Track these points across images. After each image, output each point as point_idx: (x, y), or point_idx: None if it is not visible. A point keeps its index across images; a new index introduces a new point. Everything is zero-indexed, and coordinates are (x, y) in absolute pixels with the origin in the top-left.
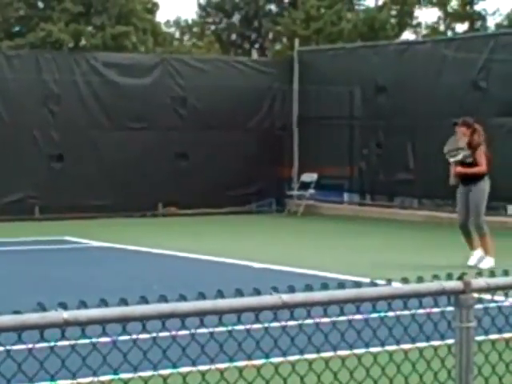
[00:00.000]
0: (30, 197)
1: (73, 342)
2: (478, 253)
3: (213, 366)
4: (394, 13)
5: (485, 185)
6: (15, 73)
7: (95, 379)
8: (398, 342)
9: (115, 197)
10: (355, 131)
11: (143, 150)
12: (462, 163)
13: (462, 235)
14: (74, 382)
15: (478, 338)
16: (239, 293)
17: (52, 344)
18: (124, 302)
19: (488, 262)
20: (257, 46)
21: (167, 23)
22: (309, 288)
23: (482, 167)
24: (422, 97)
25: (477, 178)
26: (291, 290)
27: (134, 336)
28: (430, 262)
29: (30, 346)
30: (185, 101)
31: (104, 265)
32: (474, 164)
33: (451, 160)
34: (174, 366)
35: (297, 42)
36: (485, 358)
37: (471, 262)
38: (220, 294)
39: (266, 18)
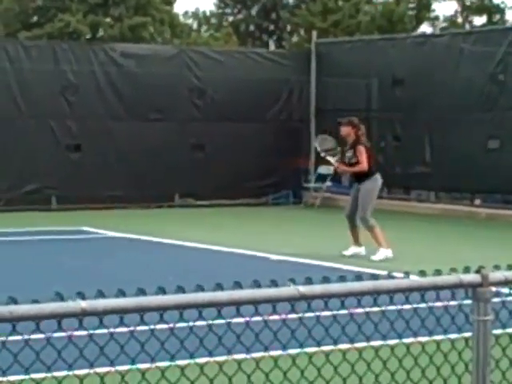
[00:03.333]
0: (47, 187)
1: (91, 332)
2: (355, 249)
3: (230, 357)
4: (411, 5)
5: (372, 184)
6: (33, 63)
7: (112, 369)
8: (415, 335)
9: (132, 187)
10: (372, 124)
11: (160, 140)
12: (348, 163)
13: (348, 225)
14: (92, 371)
15: (496, 332)
16: (257, 284)
17: (70, 333)
18: (142, 292)
19: (381, 254)
20: (274, 37)
21: (185, 14)
22: (326, 280)
23: (363, 165)
24: (440, 90)
25: (364, 177)
26: (308, 281)
27: (152, 326)
28: (448, 255)
29: (48, 335)
30: (202, 92)
31: (120, 255)
32: (357, 162)
33: (332, 159)
34: (192, 357)
35: (314, 34)
36: (502, 352)
37: (346, 252)
38: (237, 286)
39: (284, 9)
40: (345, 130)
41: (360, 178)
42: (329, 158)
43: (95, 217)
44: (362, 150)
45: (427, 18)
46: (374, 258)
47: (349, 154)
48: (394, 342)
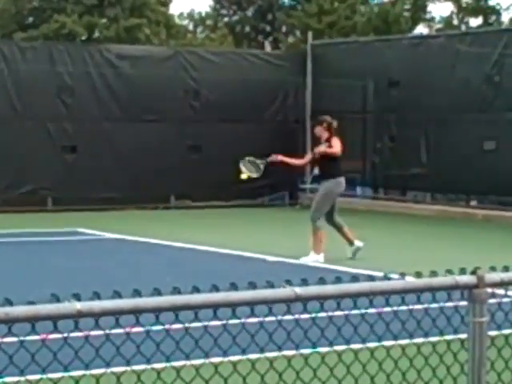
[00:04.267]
0: (42, 188)
1: (86, 334)
2: (358, 243)
3: (225, 359)
4: (407, 7)
5: (333, 186)
6: (29, 64)
7: (108, 370)
8: (411, 336)
9: (128, 189)
10: (368, 125)
11: (156, 142)
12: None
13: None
14: (87, 373)
15: (491, 333)
16: (252, 285)
17: (65, 335)
18: (137, 293)
19: (311, 258)
20: (270, 39)
21: (181, 16)
22: (322, 281)
23: (334, 149)
24: (435, 91)
25: (328, 175)
26: (304, 283)
27: (148, 328)
28: (444, 257)
29: (44, 336)
30: (198, 93)
31: (116, 257)
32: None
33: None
34: (187, 358)
35: (310, 35)
36: (498, 353)
37: (348, 254)
38: (233, 287)
39: (280, 11)
40: (318, 130)
41: (325, 175)
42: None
43: (91, 218)
44: (337, 141)
45: (423, 19)
46: (303, 260)
47: (322, 146)
48: (390, 343)
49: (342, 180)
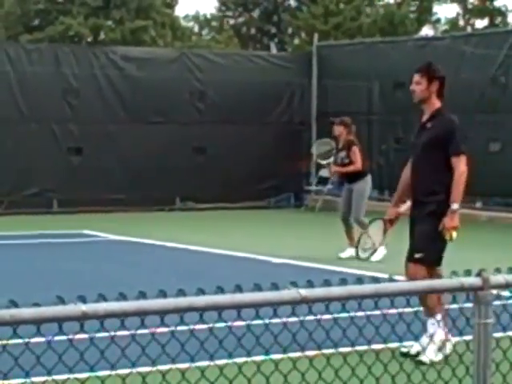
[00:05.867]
0: (48, 190)
1: (91, 335)
2: (352, 251)
3: (230, 361)
4: (413, 8)
5: (365, 184)
6: (34, 66)
7: (113, 372)
8: (416, 338)
9: (133, 191)
10: (373, 126)
11: (161, 144)
12: (341, 163)
13: (343, 227)
14: (93, 374)
15: (496, 335)
16: (258, 287)
17: (71, 337)
18: (142, 295)
19: (380, 253)
20: (276, 40)
21: (186, 17)
22: (327, 283)
23: (357, 165)
24: None
25: (357, 177)
26: (310, 284)
27: (152, 330)
28: (448, 258)
29: (49, 338)
30: (203, 95)
31: (121, 258)
32: (350, 163)
33: (324, 162)
34: (192, 360)
35: (316, 36)
36: (503, 355)
37: (343, 255)
38: (238, 289)
39: (286, 12)
40: (337, 130)
41: (352, 178)
42: (320, 162)
43: (96, 220)
44: (356, 150)
45: (429, 20)
46: (374, 258)
47: (342, 154)
48: (395, 345)
49: (369, 178)
